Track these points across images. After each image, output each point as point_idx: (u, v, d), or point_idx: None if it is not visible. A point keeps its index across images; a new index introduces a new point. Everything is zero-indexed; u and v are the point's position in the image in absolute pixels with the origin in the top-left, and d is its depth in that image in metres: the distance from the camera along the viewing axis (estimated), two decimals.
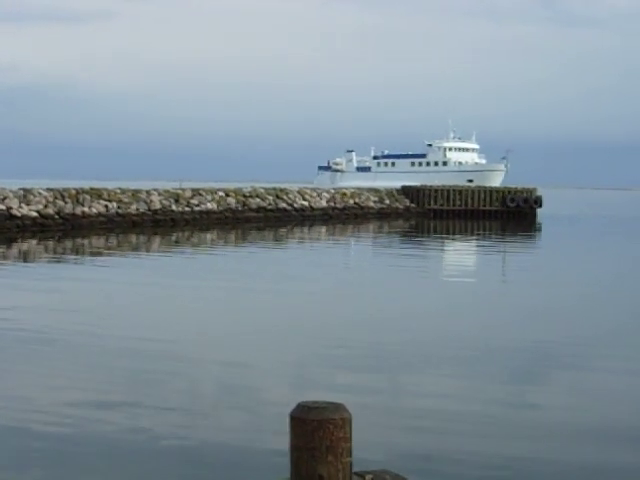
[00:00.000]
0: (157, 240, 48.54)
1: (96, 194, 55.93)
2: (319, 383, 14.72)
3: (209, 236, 52.02)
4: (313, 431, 4.31)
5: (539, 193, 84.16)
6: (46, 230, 49.69)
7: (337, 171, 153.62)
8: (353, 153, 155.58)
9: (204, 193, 63.40)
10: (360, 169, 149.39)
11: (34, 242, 44.46)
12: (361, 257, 42.34)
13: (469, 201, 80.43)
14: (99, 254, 39.08)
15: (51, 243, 44.57)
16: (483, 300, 25.95)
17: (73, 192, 54.50)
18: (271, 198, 67.92)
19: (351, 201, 75.81)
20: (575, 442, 11.78)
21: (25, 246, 42.77)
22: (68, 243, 44.93)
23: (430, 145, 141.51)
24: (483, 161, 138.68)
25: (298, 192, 71.73)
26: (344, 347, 17.73)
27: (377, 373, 15.60)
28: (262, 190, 68.74)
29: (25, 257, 37.80)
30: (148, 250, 42.10)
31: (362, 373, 15.54)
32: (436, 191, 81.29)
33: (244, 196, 66.04)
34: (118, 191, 57.80)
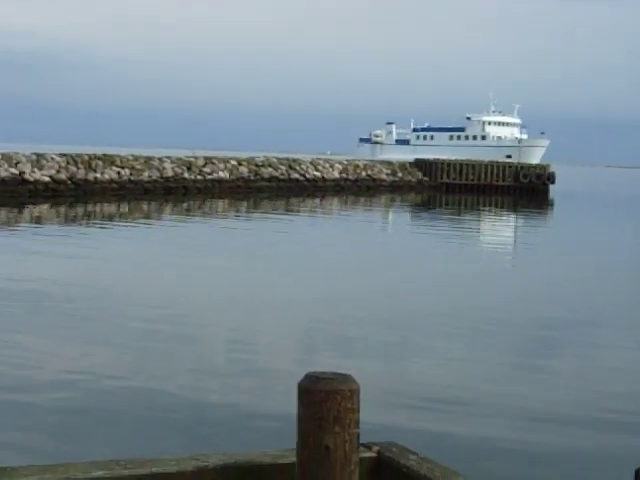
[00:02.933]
0: (168, 208, 48.54)
1: (109, 160, 55.90)
2: (333, 351, 14.73)
3: (221, 204, 52.00)
4: (321, 402, 4.28)
5: (552, 170, 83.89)
6: (58, 195, 49.71)
7: (377, 143, 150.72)
8: (393, 125, 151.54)
9: (216, 162, 63.32)
10: (399, 142, 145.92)
11: (45, 207, 44.51)
12: (385, 229, 42.28)
13: (482, 176, 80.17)
14: (110, 220, 39.11)
15: (62, 208, 44.62)
16: (496, 274, 25.91)
17: (86, 158, 54.49)
18: (284, 168, 67.80)
19: (363, 173, 75.61)
20: (584, 424, 11.77)
21: (37, 211, 42.82)
22: (79, 209, 44.97)
23: (469, 118, 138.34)
24: (524, 136, 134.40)
25: (311, 163, 71.59)
26: (352, 318, 17.74)
27: (391, 344, 15.60)
28: (275, 160, 68.60)
29: (36, 222, 37.84)
30: (159, 218, 42.10)
31: (373, 343, 15.54)
32: (449, 165, 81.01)
33: (256, 165, 65.94)
34: (131, 158, 57.74)
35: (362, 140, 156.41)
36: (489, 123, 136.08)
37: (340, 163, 74.63)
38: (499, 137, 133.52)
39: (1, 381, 12.46)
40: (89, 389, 12.15)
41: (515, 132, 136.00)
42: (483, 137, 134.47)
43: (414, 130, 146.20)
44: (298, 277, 23.88)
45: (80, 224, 37.07)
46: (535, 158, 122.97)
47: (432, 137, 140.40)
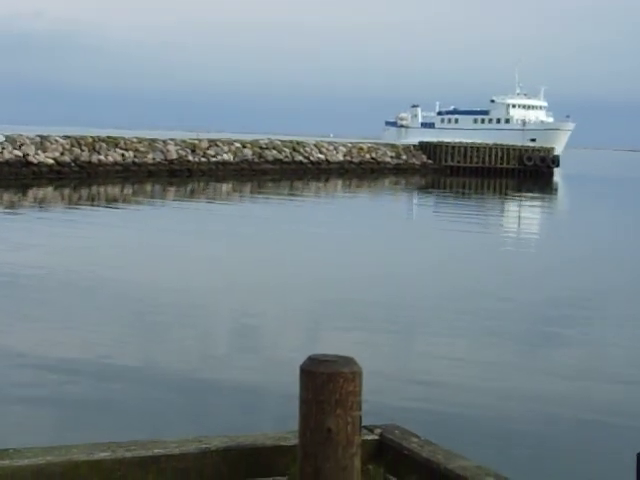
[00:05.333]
0: (172, 190, 48.53)
1: (113, 142, 55.86)
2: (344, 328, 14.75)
3: (225, 187, 52.00)
4: (323, 384, 4.28)
5: (557, 152, 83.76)
6: (62, 178, 49.71)
7: (403, 127, 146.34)
8: (418, 108, 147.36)
9: (220, 144, 63.26)
10: (424, 125, 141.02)
11: (50, 189, 44.52)
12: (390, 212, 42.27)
13: (486, 159, 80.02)
14: (115, 202, 39.13)
15: (67, 190, 44.62)
16: (501, 259, 25.92)
17: (90, 140, 54.44)
18: (288, 150, 67.73)
19: (367, 156, 75.50)
20: (586, 409, 11.78)
21: (40, 193, 42.83)
22: (83, 191, 44.97)
23: (493, 101, 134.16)
24: (550, 119, 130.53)
25: (315, 145, 71.50)
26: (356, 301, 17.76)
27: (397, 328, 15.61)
28: (279, 142, 68.52)
29: (40, 204, 37.86)
30: (164, 200, 42.09)
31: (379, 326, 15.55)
32: (453, 148, 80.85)
33: (260, 148, 65.88)
34: (135, 140, 57.67)
35: (388, 123, 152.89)
36: (513, 106, 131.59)
37: (344, 146, 74.48)
38: (523, 120, 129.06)
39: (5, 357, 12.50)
40: (89, 371, 12.18)
41: (540, 115, 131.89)
42: (507, 120, 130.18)
43: (439, 113, 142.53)
44: (304, 261, 23.89)
45: (83, 206, 37.06)
46: (560, 142, 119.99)
47: (457, 120, 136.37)
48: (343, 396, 4.30)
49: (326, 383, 4.28)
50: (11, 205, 36.97)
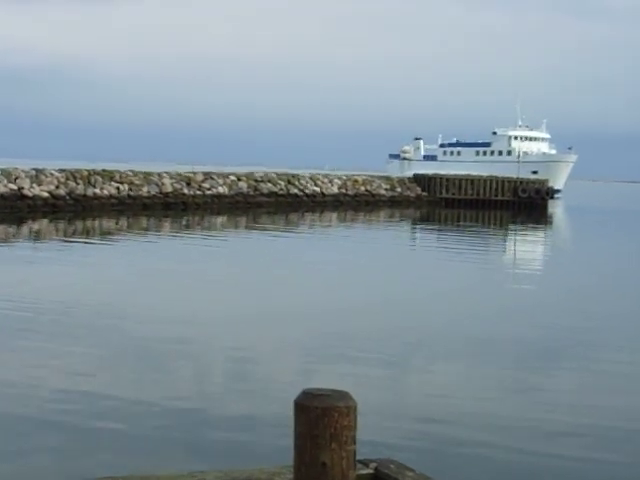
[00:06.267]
0: (167, 223, 48.55)
1: (108, 176, 55.93)
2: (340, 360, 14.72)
3: (220, 220, 52.03)
4: (317, 418, 4.28)
5: (551, 184, 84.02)
6: (57, 211, 49.72)
7: (405, 159, 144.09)
8: (421, 141, 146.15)
9: (215, 177, 63.36)
10: (427, 157, 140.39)
11: (45, 222, 44.51)
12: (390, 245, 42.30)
13: (481, 191, 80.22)
14: (109, 236, 39.12)
15: (62, 224, 44.62)
16: (497, 289, 25.92)
17: (85, 173, 54.51)
18: (283, 183, 67.85)
19: (362, 188, 75.65)
20: (583, 441, 11.75)
21: (36, 226, 42.82)
22: (78, 224, 44.97)
23: (495, 133, 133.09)
24: (553, 151, 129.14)
25: (310, 178, 71.66)
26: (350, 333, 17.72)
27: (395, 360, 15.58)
28: (274, 175, 68.66)
29: (35, 237, 37.85)
30: (158, 233, 42.10)
31: (373, 359, 15.52)
32: (447, 180, 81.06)
33: (255, 181, 65.99)
34: (130, 173, 57.76)
35: (391, 156, 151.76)
36: (515, 138, 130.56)
37: (339, 178, 74.67)
38: (525, 152, 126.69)
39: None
40: (85, 402, 12.13)
41: (543, 147, 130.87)
42: (509, 152, 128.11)
43: (441, 146, 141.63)
44: (300, 293, 23.88)
45: (78, 239, 37.04)
46: (562, 174, 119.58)
47: (459, 153, 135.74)
48: (338, 430, 4.30)
49: (321, 417, 4.28)
50: (5, 239, 36.94)
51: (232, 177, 64.69)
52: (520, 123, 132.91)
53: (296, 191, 68.52)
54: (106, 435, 10.98)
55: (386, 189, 78.05)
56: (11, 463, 9.90)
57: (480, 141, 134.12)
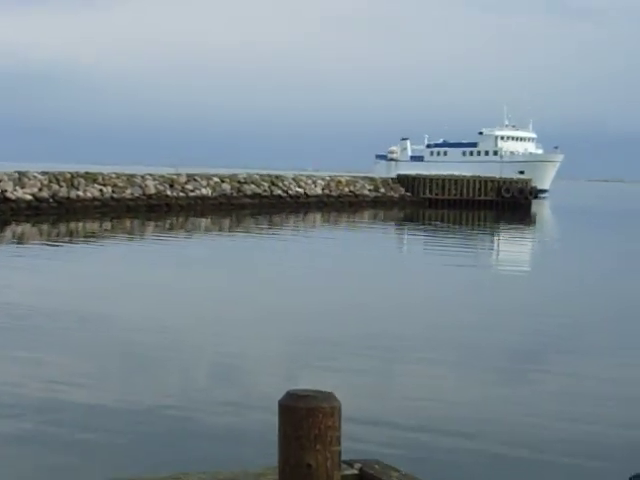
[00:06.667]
0: (151, 225, 48.46)
1: (91, 178, 55.81)
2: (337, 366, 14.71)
3: (204, 222, 51.97)
4: (301, 419, 4.27)
5: (534, 184, 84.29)
6: (40, 214, 49.58)
7: (393, 160, 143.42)
8: (407, 141, 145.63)
9: (199, 179, 63.30)
10: (414, 158, 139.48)
11: (28, 225, 44.38)
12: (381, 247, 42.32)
13: (464, 191, 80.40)
14: (92, 238, 39.03)
15: (45, 227, 44.49)
16: (483, 289, 25.96)
17: (68, 176, 54.38)
18: (266, 185, 67.84)
19: (346, 189, 75.70)
20: (569, 443, 11.77)
21: (19, 229, 42.69)
22: (62, 227, 44.85)
23: (481, 133, 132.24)
24: (539, 151, 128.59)
25: (293, 179, 71.67)
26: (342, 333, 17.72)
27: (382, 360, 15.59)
28: (257, 177, 68.65)
29: (18, 240, 37.72)
30: (142, 235, 42.01)
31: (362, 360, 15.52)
32: (431, 180, 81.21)
33: (239, 182, 65.96)
34: (113, 175, 57.64)
35: (378, 157, 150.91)
36: (502, 138, 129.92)
37: (323, 179, 74.70)
38: (512, 152, 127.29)
39: None
40: (70, 407, 12.09)
41: (529, 147, 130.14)
42: (495, 152, 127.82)
43: (428, 146, 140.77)
44: (285, 296, 23.87)
45: (62, 242, 36.95)
46: (549, 174, 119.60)
47: (445, 153, 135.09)
48: (322, 431, 4.28)
49: (305, 418, 4.27)
50: None
51: (215, 179, 64.64)
52: (507, 123, 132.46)
53: (280, 192, 68.51)
54: (90, 442, 10.93)
55: (370, 190, 78.11)
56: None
57: (467, 141, 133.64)
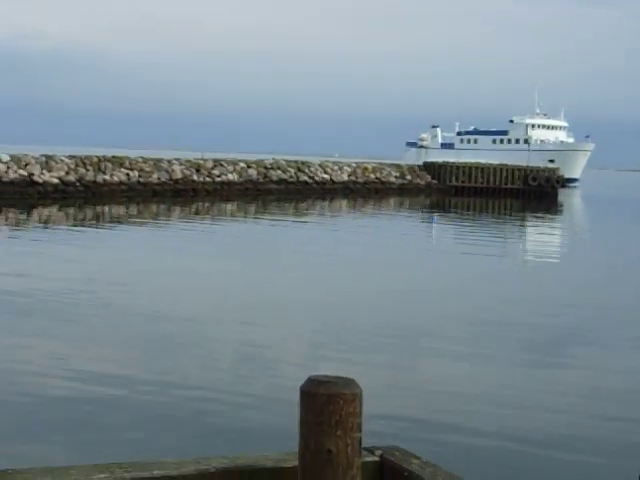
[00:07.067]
0: (177, 210, 48.58)
1: (118, 162, 55.98)
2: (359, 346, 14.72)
3: (229, 207, 52.03)
4: (322, 405, 4.27)
5: (561, 173, 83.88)
6: (67, 197, 49.80)
7: (423, 147, 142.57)
8: (438, 129, 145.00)
9: (225, 164, 63.38)
10: (444, 145, 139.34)
11: (54, 209, 44.58)
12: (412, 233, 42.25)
13: (491, 179, 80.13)
14: (119, 222, 39.18)
15: (71, 210, 44.67)
16: (506, 277, 25.89)
17: (95, 160, 54.57)
18: (292, 171, 67.83)
19: (372, 176, 75.61)
20: (592, 434, 11.72)
21: (45, 212, 42.89)
22: (88, 211, 45.03)
23: (512, 121, 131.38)
24: (571, 140, 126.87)
25: (320, 165, 71.63)
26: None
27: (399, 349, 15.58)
28: (284, 162, 68.65)
29: (45, 223, 37.90)
30: (168, 219, 42.12)
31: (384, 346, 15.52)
32: (457, 168, 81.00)
33: (265, 168, 65.99)
34: (140, 160, 57.80)
35: (409, 144, 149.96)
36: (532, 126, 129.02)
37: (349, 166, 74.61)
38: (542, 141, 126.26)
39: (7, 385, 12.48)
40: (91, 392, 12.15)
41: (560, 135, 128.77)
42: (526, 141, 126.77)
43: (458, 134, 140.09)
44: (315, 278, 23.88)
45: (89, 226, 37.10)
46: (579, 163, 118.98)
47: (476, 141, 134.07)
48: (343, 417, 4.28)
49: (326, 404, 4.27)
50: (16, 225, 37.01)
51: (242, 164, 64.70)
52: (538, 111, 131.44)
53: (306, 178, 68.51)
54: (109, 422, 10.99)
55: (396, 177, 77.99)
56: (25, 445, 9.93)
57: (497, 129, 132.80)
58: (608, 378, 14.39)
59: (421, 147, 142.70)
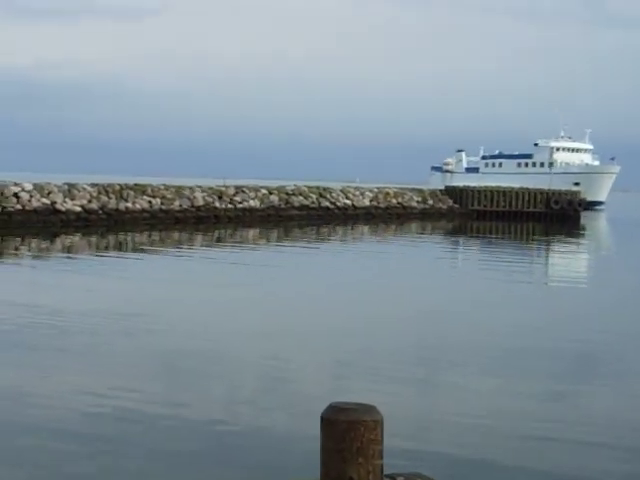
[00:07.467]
0: (199, 237, 48.67)
1: (140, 190, 56.21)
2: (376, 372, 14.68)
3: (251, 233, 52.11)
4: (343, 432, 4.25)
5: (593, 196, 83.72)
6: (89, 225, 50.01)
7: (448, 172, 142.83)
8: (463, 153, 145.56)
9: (247, 190, 63.54)
10: (469, 169, 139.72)
11: (77, 237, 44.75)
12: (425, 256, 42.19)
13: (513, 202, 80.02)
14: (142, 250, 39.28)
15: (94, 238, 44.84)
16: (529, 300, 25.78)
17: (117, 188, 54.81)
18: (314, 197, 67.94)
19: (394, 201, 75.63)
20: (617, 464, 11.63)
21: (68, 241, 43.06)
22: (111, 239, 45.18)
23: (537, 144, 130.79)
24: (596, 163, 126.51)
25: (341, 191, 71.73)
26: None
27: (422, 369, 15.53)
28: (305, 188, 68.76)
29: (68, 252, 38.03)
30: (191, 247, 42.21)
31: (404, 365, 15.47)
32: (479, 192, 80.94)
33: (287, 194, 66.12)
34: (162, 187, 58.01)
35: (434, 169, 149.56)
36: (557, 149, 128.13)
37: (370, 191, 74.68)
38: (567, 163, 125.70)
39: (24, 411, 12.50)
40: (114, 418, 12.15)
41: (586, 158, 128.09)
42: (551, 164, 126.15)
43: (483, 157, 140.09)
44: (333, 303, 23.86)
45: (111, 255, 37.21)
46: (605, 185, 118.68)
47: (500, 164, 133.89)
48: (364, 444, 4.27)
49: (347, 431, 4.26)
50: (39, 254, 37.18)
51: (263, 190, 64.85)
52: (562, 134, 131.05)
53: (327, 204, 68.59)
54: (132, 449, 10.98)
55: (418, 201, 77.99)
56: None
57: (522, 153, 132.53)
58: (632, 404, 14.26)
59: (446, 171, 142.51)
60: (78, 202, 51.55)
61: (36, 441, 11.19)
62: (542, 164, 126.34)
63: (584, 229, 70.81)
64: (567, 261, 42.83)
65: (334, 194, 70.31)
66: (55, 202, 50.34)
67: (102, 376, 14.64)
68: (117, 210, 53.32)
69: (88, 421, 12.07)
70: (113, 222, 51.85)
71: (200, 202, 58.74)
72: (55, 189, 51.37)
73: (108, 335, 18.06)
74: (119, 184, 55.72)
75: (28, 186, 50.29)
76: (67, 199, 51.24)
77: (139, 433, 11.61)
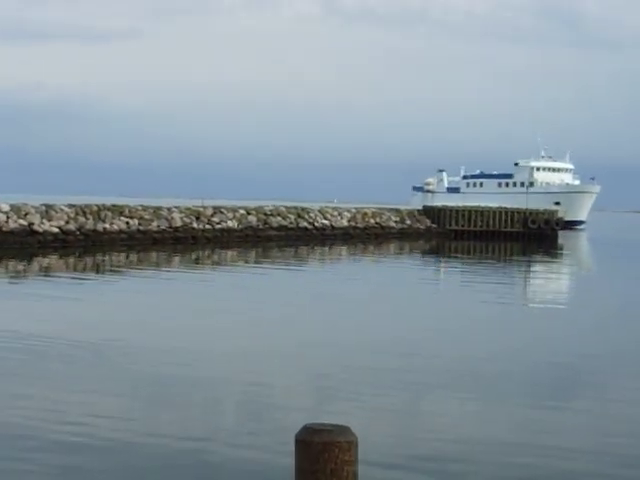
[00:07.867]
0: (177, 258, 48.58)
1: (117, 211, 56.07)
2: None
3: (230, 254, 52.03)
4: (317, 454, 4.25)
5: (561, 215, 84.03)
6: (67, 246, 49.81)
7: (429, 192, 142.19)
8: (444, 173, 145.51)
9: (225, 211, 63.46)
10: (450, 189, 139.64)
11: (54, 258, 44.56)
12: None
13: (490, 222, 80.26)
14: (118, 272, 39.15)
15: (71, 259, 44.67)
16: (509, 321, 25.82)
17: (95, 208, 54.65)
18: (292, 217, 67.93)
19: (372, 221, 75.72)
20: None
21: (45, 262, 42.88)
22: (88, 260, 45.02)
23: (517, 164, 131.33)
24: (577, 182, 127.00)
25: (319, 211, 71.76)
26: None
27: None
28: (283, 209, 68.76)
29: (45, 272, 37.88)
30: (169, 268, 42.09)
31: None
32: (457, 212, 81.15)
33: (265, 214, 66.09)
34: (139, 208, 57.88)
35: (415, 189, 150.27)
36: (537, 169, 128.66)
37: (348, 211, 74.73)
38: (547, 183, 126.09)
39: (8, 433, 12.42)
40: (94, 440, 12.09)
41: (566, 178, 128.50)
42: (531, 183, 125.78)
43: (464, 177, 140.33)
44: (318, 327, 23.84)
45: (88, 276, 37.08)
46: (585, 205, 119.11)
47: (481, 184, 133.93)
48: (338, 465, 4.26)
49: (321, 453, 4.25)
50: (15, 275, 37.00)
51: (242, 211, 64.80)
52: (543, 154, 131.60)
53: (306, 224, 68.59)
54: (114, 470, 10.92)
55: (396, 221, 78.11)
56: None
57: (503, 172, 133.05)
58: (617, 428, 14.27)
59: (427, 192, 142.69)
60: (55, 223, 51.35)
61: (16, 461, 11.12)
62: (522, 184, 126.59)
63: (561, 248, 71.05)
64: (546, 282, 42.96)
65: (312, 214, 70.33)
66: (32, 223, 50.14)
67: (73, 402, 14.55)
68: (95, 231, 53.15)
69: (63, 445, 12.00)
70: (91, 243, 51.66)
71: (178, 223, 58.63)
72: (32, 210, 51.16)
73: (79, 361, 17.94)
74: (97, 205, 55.56)
75: (5, 207, 50.08)
76: (44, 220, 51.04)
77: (112, 454, 11.56)
